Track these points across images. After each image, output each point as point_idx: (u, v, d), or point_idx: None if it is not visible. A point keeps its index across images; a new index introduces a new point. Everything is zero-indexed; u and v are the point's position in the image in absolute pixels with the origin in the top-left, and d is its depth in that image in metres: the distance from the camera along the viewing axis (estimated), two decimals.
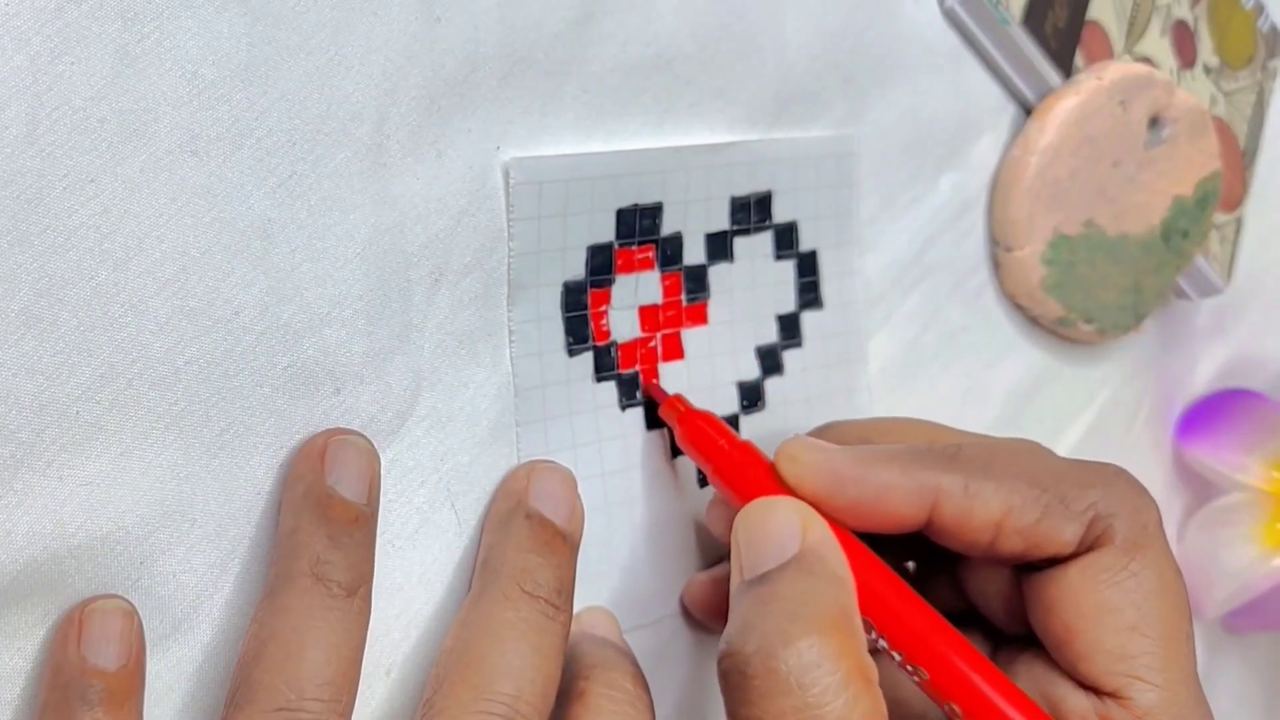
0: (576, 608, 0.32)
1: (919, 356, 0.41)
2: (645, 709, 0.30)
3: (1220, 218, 0.48)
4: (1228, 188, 0.48)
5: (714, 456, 0.33)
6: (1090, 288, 0.43)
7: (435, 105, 0.30)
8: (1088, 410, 0.47)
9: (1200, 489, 0.51)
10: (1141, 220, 0.43)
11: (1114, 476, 0.32)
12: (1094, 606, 0.30)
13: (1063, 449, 0.33)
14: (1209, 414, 0.51)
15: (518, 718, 0.28)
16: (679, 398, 0.35)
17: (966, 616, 0.35)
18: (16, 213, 0.24)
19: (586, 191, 0.33)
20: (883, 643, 0.30)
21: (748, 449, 0.33)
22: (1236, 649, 0.54)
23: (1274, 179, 0.51)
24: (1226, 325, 0.53)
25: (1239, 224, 0.49)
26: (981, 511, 0.31)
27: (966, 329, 0.42)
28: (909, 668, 0.30)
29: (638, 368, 0.35)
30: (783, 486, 0.32)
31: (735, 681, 0.27)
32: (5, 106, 0.24)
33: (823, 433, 0.36)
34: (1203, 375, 0.52)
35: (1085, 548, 0.31)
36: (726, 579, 0.35)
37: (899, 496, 0.31)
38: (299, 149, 0.28)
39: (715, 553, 0.37)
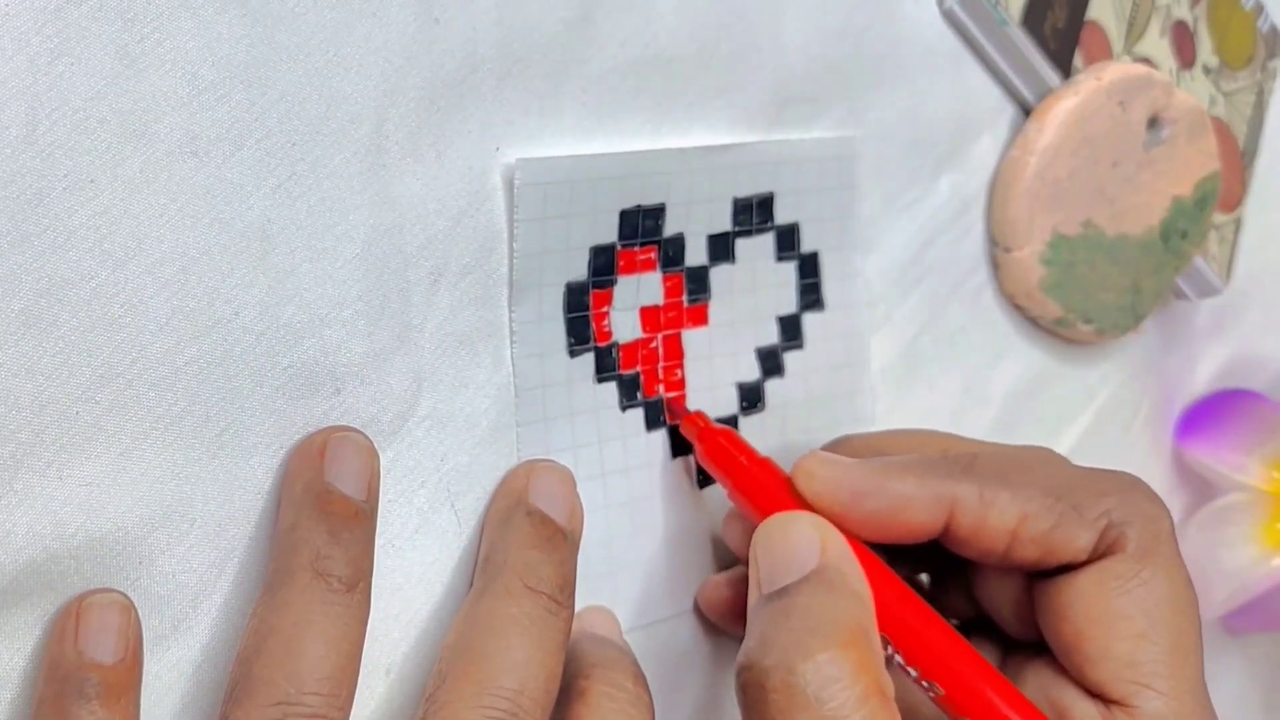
0: (577, 608, 0.32)
1: (918, 357, 0.41)
2: (646, 708, 0.30)
3: (1219, 218, 0.48)
4: (1227, 188, 0.48)
5: (733, 473, 0.34)
6: (1089, 288, 0.43)
7: (434, 106, 0.30)
8: (1087, 411, 0.47)
9: (1200, 489, 0.51)
10: (1140, 221, 0.43)
11: (1128, 485, 0.32)
12: (1104, 613, 0.31)
13: (1062, 449, 0.33)
14: (1208, 414, 0.51)
15: (521, 713, 0.28)
16: (699, 414, 0.35)
17: (977, 623, 0.35)
18: (16, 213, 0.24)
19: (590, 193, 0.33)
20: (898, 658, 0.30)
21: (766, 465, 0.33)
22: (1236, 649, 0.53)
23: (1273, 179, 0.51)
24: (1226, 325, 0.52)
25: (1238, 224, 0.49)
26: (997, 519, 0.31)
27: (965, 329, 0.42)
28: (924, 683, 0.30)
29: (638, 368, 0.35)
30: (801, 502, 0.32)
31: (754, 695, 0.27)
32: (5, 106, 0.24)
33: (835, 446, 0.36)
34: (1202, 375, 0.52)
35: (1098, 555, 0.31)
36: (742, 581, 0.35)
37: (916, 507, 0.31)
38: (299, 149, 0.28)
39: (716, 554, 0.37)
